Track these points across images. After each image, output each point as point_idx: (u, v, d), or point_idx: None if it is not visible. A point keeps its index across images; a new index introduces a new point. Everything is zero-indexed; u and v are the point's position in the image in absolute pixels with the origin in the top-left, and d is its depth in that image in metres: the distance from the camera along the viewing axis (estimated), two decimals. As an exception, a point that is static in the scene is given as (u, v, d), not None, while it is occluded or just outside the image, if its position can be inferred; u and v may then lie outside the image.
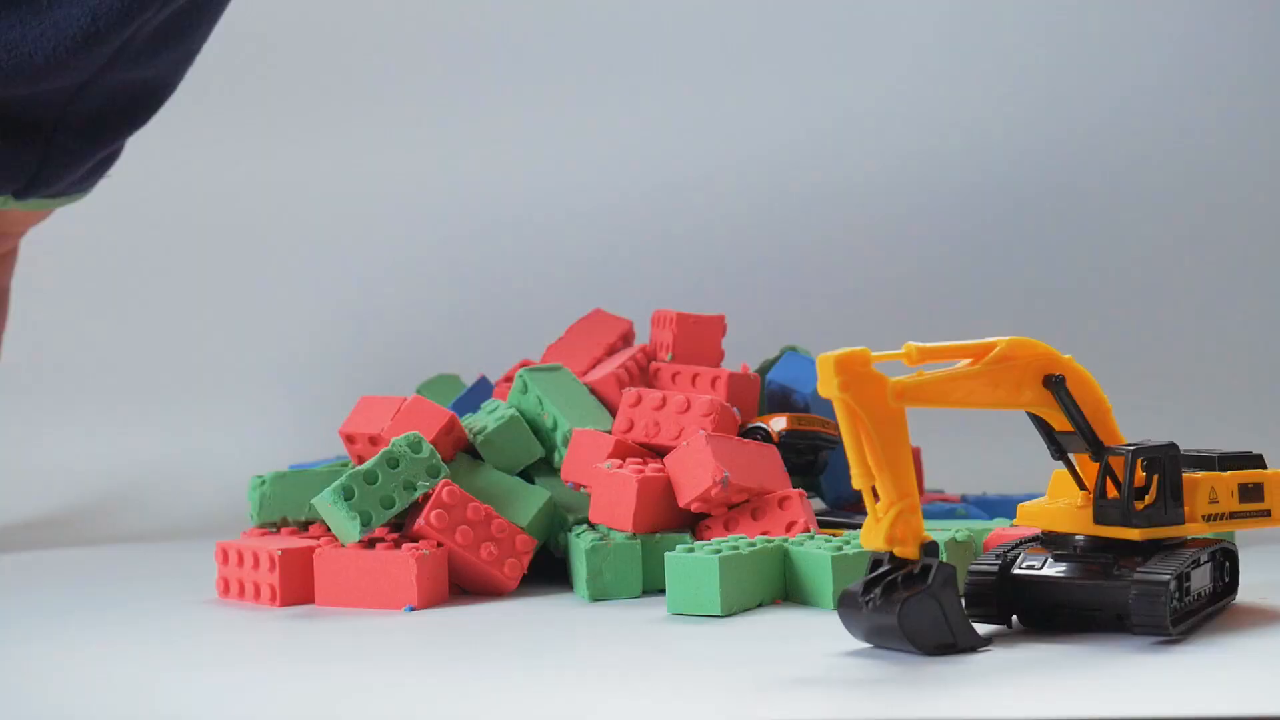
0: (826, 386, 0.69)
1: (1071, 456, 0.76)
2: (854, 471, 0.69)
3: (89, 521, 1.24)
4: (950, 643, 0.70)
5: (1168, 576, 0.71)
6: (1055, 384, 0.74)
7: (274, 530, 0.95)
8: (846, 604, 0.71)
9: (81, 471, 1.36)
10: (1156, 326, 1.58)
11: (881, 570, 0.71)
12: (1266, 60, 1.70)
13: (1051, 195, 1.67)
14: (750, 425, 0.98)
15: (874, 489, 0.70)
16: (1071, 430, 0.75)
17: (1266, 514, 0.78)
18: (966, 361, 0.73)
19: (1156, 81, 1.71)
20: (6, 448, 1.40)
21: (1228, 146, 1.68)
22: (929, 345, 0.72)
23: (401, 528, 0.90)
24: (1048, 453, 0.77)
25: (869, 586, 0.70)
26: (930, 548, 0.70)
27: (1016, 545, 0.76)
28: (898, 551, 0.70)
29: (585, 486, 0.92)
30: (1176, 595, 0.72)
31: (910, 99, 1.71)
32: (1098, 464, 0.74)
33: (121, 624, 0.83)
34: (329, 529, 0.90)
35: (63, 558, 1.10)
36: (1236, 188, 1.66)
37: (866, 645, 0.71)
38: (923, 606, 0.69)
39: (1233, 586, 0.79)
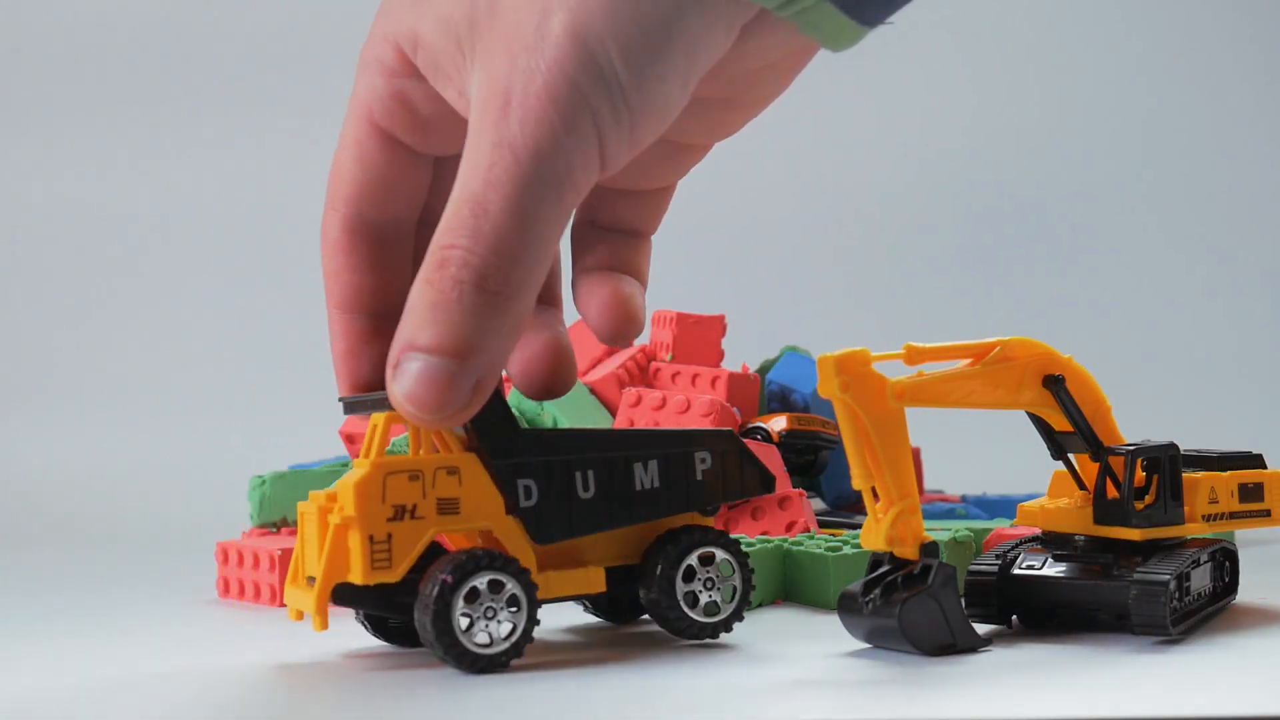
0: (826, 386, 0.69)
1: (1071, 456, 0.76)
2: (854, 472, 0.69)
3: (89, 521, 1.24)
4: (950, 643, 0.70)
5: (1168, 576, 0.71)
6: (1055, 384, 0.74)
7: (274, 530, 0.94)
8: (846, 605, 0.71)
9: (81, 471, 1.36)
10: (1156, 326, 1.58)
11: (881, 570, 0.71)
12: (1267, 66, 1.70)
13: (1052, 196, 1.67)
14: (750, 425, 0.98)
15: (874, 489, 0.70)
16: (1071, 430, 0.75)
17: (1266, 514, 0.78)
18: (966, 362, 0.73)
19: (1158, 86, 1.71)
20: (7, 448, 1.40)
21: (1228, 150, 1.68)
22: (928, 345, 0.72)
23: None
24: (1048, 453, 0.77)
25: (869, 587, 0.70)
26: (930, 548, 0.70)
27: (1016, 545, 0.76)
28: (897, 552, 0.70)
29: (585, 486, 0.92)
30: (1176, 595, 0.72)
31: (911, 101, 1.71)
32: (1098, 464, 0.74)
33: (122, 624, 0.83)
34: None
35: (63, 558, 1.10)
36: (1237, 190, 1.66)
37: (866, 645, 0.71)
38: (923, 607, 0.69)
39: (1232, 586, 0.79)
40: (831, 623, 0.74)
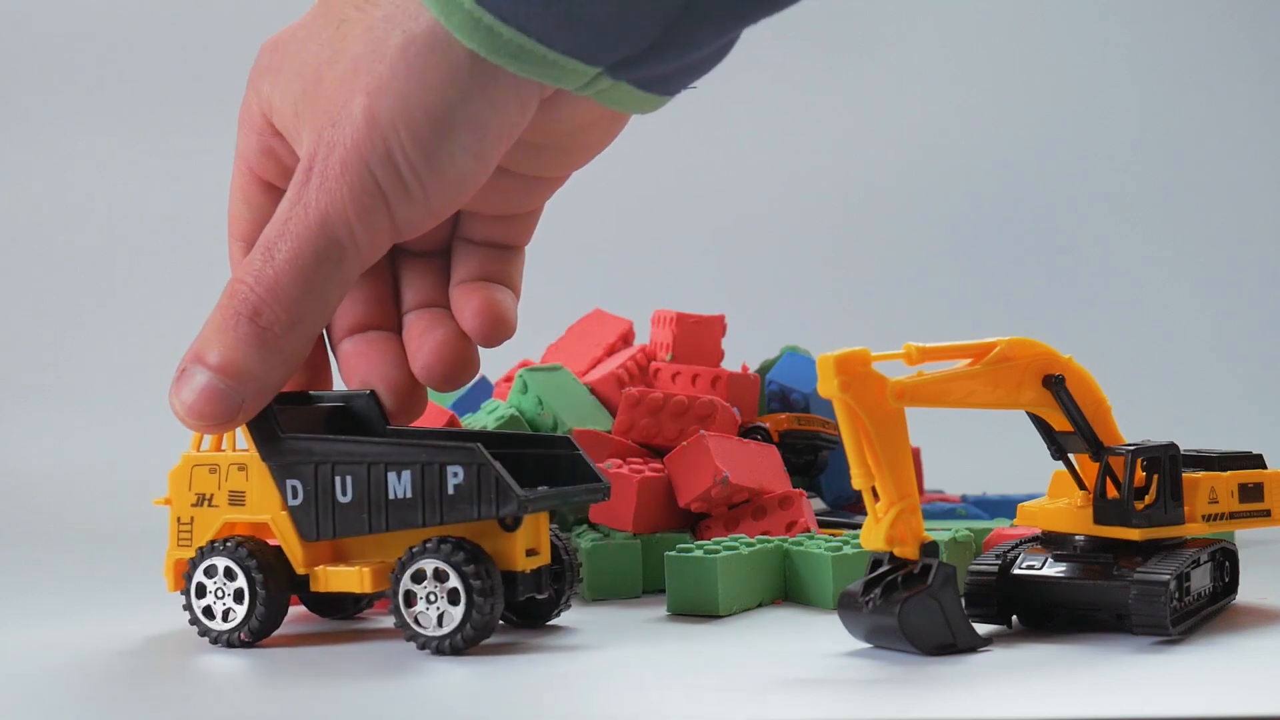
0: (826, 386, 0.69)
1: (1071, 456, 0.76)
2: (854, 471, 0.69)
3: (87, 521, 1.24)
4: (950, 643, 0.70)
5: (1168, 576, 0.71)
6: (1055, 384, 0.74)
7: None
8: (846, 604, 0.71)
9: (80, 471, 1.36)
10: (1156, 326, 1.58)
11: (881, 570, 0.71)
12: (1266, 65, 1.70)
13: (1052, 196, 1.67)
14: (750, 425, 0.98)
15: (874, 489, 0.70)
16: (1071, 430, 0.75)
17: (1266, 514, 0.78)
18: (966, 362, 0.73)
19: (1158, 85, 1.71)
20: (7, 448, 1.40)
21: (1228, 149, 1.68)
22: (929, 345, 0.71)
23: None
24: (1048, 453, 0.77)
25: (869, 586, 0.70)
26: (930, 548, 0.70)
27: (1016, 545, 0.76)
28: (898, 551, 0.70)
29: (585, 486, 0.92)
30: (1176, 595, 0.72)
31: (911, 101, 1.71)
32: (1098, 464, 0.74)
33: (120, 624, 0.83)
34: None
35: (62, 557, 1.10)
36: (1236, 189, 1.66)
37: (866, 645, 0.71)
38: (923, 606, 0.69)
39: (1232, 586, 0.79)
40: (831, 623, 0.74)
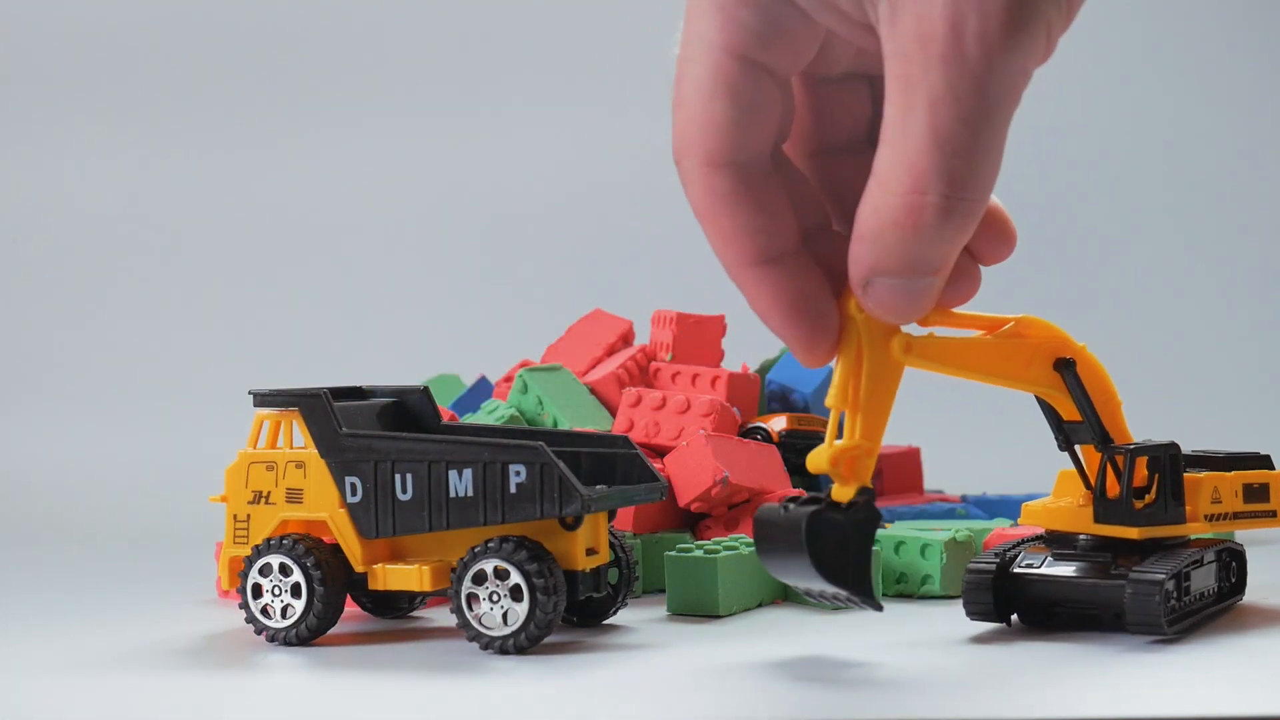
0: (849, 306, 0.64)
1: (1078, 449, 0.75)
2: (832, 390, 0.65)
3: (88, 521, 1.24)
4: (843, 579, 0.65)
5: (1163, 576, 0.70)
6: (1065, 367, 0.73)
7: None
8: (764, 514, 0.67)
9: (80, 471, 1.36)
10: (1165, 326, 1.58)
11: (811, 497, 0.66)
12: (1269, 63, 1.70)
13: (1053, 195, 1.67)
14: (750, 425, 0.98)
15: (841, 422, 0.66)
16: (1080, 420, 0.74)
17: (1272, 514, 0.78)
18: (979, 333, 0.72)
19: (1161, 82, 1.71)
20: (8, 447, 1.40)
21: (1230, 148, 1.68)
22: (945, 310, 0.68)
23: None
24: (1048, 453, 0.76)
25: (791, 501, 0.66)
26: (866, 493, 0.66)
27: (1017, 545, 0.76)
28: (835, 494, 0.66)
29: (585, 486, 0.91)
30: (1175, 595, 0.72)
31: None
32: (1100, 457, 0.74)
33: (121, 624, 0.83)
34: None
35: (63, 558, 1.10)
36: (1238, 189, 1.66)
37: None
38: (833, 526, 0.65)
39: (1239, 587, 0.79)
40: (832, 623, 0.74)
